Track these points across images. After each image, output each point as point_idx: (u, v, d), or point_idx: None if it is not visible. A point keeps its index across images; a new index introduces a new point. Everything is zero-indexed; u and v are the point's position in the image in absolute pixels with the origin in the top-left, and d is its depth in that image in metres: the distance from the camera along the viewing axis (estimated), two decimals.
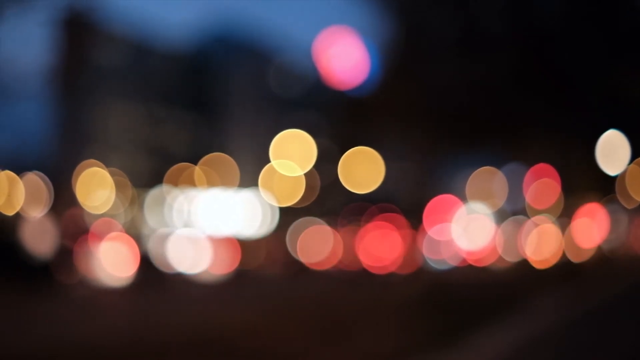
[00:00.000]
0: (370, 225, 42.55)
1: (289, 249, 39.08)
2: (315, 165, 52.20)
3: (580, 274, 25.18)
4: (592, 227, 35.96)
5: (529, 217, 39.33)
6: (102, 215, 47.44)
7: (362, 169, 44.30)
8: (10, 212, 37.60)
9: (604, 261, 33.98)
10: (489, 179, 43.76)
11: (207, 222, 49.25)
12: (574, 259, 29.06)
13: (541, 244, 37.79)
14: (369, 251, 38.07)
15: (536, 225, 38.39)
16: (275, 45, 68.90)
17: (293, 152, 51.79)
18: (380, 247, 37.73)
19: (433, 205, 33.85)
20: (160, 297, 19.92)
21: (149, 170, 58.09)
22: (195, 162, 57.02)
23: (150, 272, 27.38)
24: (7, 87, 35.53)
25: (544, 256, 34.46)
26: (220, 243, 33.00)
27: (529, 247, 39.57)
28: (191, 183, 55.33)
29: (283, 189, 53.07)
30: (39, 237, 25.17)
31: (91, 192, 50.46)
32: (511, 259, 39.41)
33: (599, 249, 37.83)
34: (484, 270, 35.09)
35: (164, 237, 33.24)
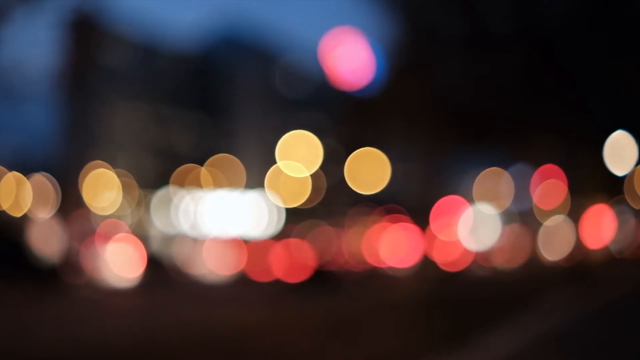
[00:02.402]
0: (376, 226, 42.54)
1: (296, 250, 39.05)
2: (322, 166, 52.21)
3: (588, 275, 25.12)
4: (599, 228, 35.85)
5: (536, 218, 39.29)
6: (109, 216, 47.54)
7: (369, 170, 44.28)
8: (17, 214, 37.68)
9: (611, 262, 33.91)
10: (495, 179, 43.73)
11: (214, 223, 49.30)
12: (582, 259, 28.99)
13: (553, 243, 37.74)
14: (375, 252, 38.06)
15: (547, 225, 38.34)
16: (281, 46, 68.95)
17: (299, 153, 51.80)
18: (386, 248, 37.72)
19: (440, 206, 33.80)
20: (168, 298, 19.94)
21: (155, 171, 58.18)
22: (201, 163, 57.08)
23: (157, 272, 27.42)
24: (15, 89, 35.60)
25: (555, 255, 34.40)
26: (227, 244, 33.01)
27: (540, 247, 39.51)
28: (197, 184, 55.38)
29: (289, 190, 53.09)
30: (47, 238, 25.23)
31: (98, 193, 50.54)
32: (519, 259, 39.39)
33: (607, 249, 37.74)
34: (491, 270, 35.08)
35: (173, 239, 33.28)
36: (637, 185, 31.90)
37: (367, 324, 12.67)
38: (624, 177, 29.94)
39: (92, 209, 48.20)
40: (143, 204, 55.28)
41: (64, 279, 22.85)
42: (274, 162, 52.53)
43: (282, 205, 54.35)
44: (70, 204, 45.05)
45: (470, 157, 35.64)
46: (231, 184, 55.62)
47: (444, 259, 33.99)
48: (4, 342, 10.32)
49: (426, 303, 16.46)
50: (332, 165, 50.62)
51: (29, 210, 40.45)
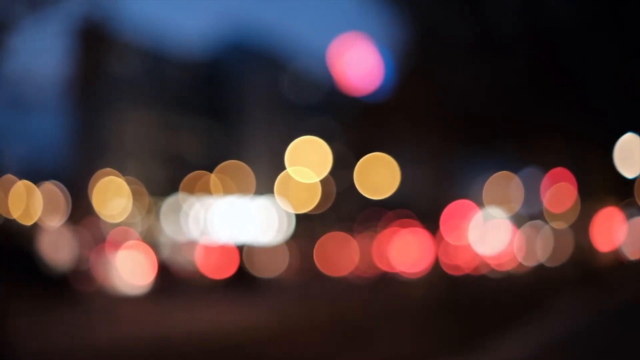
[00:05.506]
0: (386, 231, 42.51)
1: (306, 255, 39.06)
2: (331, 172, 52.18)
3: (599, 277, 25.03)
4: (610, 231, 35.72)
5: (546, 222, 39.15)
6: (119, 223, 47.62)
7: (378, 175, 44.22)
8: (28, 222, 37.78)
9: (622, 265, 33.79)
10: (505, 183, 43.60)
11: (224, 229, 49.32)
12: (592, 262, 28.89)
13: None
14: (385, 257, 38.02)
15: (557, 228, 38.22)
16: (289, 52, 69.05)
17: (308, 159, 51.80)
18: (396, 252, 37.68)
19: (450, 210, 33.72)
20: (178, 305, 19.93)
21: (165, 178, 58.28)
22: (211, 170, 57.15)
23: (168, 279, 27.42)
24: (24, 98, 35.75)
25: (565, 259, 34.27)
26: (215, 250, 32.87)
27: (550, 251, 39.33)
28: (207, 191, 55.45)
29: (299, 195, 53.08)
30: (57, 247, 25.28)
31: (108, 201, 50.66)
32: (529, 262, 39.28)
33: (617, 252, 37.59)
34: (502, 273, 34.98)
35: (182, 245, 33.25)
36: None
37: (379, 328, 12.65)
38: (634, 180, 29.83)
39: (102, 217, 48.31)
40: (153, 211, 55.38)
41: (74, 287, 22.88)
42: (283, 168, 52.54)
43: (292, 211, 54.34)
44: (80, 212, 45.17)
45: (480, 161, 35.56)
46: (241, 190, 55.66)
47: (454, 263, 33.90)
48: (15, 351, 10.33)
49: (437, 307, 16.42)
50: (342, 170, 50.60)
51: (39, 218, 40.56)
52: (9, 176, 37.94)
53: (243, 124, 66.08)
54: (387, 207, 48.60)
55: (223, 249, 31.97)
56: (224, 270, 29.97)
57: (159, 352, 10.34)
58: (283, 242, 44.82)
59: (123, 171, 53.63)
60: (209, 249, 32.50)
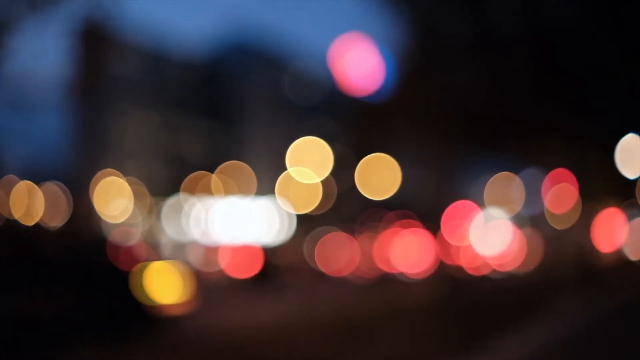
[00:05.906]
0: (387, 231, 42.47)
1: (307, 256, 39.07)
2: (332, 173, 52.17)
3: (599, 278, 25.03)
4: (611, 232, 35.74)
5: (547, 222, 39.16)
6: (121, 224, 47.63)
7: (379, 176, 44.22)
8: (29, 222, 37.79)
9: (623, 265, 33.78)
10: (506, 184, 43.59)
11: (225, 230, 49.35)
12: (594, 263, 28.89)
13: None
14: (386, 257, 37.99)
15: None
16: (290, 53, 69.07)
17: (310, 160, 51.79)
18: (397, 253, 37.65)
19: (451, 211, 33.73)
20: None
21: (166, 178, 58.30)
22: (212, 170, 57.16)
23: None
24: (26, 98, 35.78)
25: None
26: (239, 250, 33.02)
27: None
28: (208, 191, 55.46)
29: (300, 196, 53.08)
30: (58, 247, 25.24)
31: (109, 201, 50.66)
32: (530, 263, 39.24)
33: (619, 253, 37.58)
34: (503, 274, 34.97)
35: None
36: None
37: (379, 328, 12.66)
38: (635, 181, 29.82)
39: (103, 217, 48.31)
40: (154, 212, 55.39)
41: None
42: (284, 168, 52.54)
43: (293, 212, 54.33)
44: (82, 213, 45.16)
45: (481, 162, 35.57)
46: (242, 190, 55.68)
47: (455, 263, 33.90)
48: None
49: (438, 307, 16.42)
50: (343, 171, 50.60)
51: (41, 219, 40.55)
52: (11, 176, 37.99)
53: (244, 124, 66.11)
54: (388, 207, 48.58)
55: (238, 249, 32.14)
56: (241, 271, 30.23)
57: (161, 353, 10.35)
58: (291, 242, 44.76)
59: (124, 171, 53.64)
60: (227, 249, 32.68)
